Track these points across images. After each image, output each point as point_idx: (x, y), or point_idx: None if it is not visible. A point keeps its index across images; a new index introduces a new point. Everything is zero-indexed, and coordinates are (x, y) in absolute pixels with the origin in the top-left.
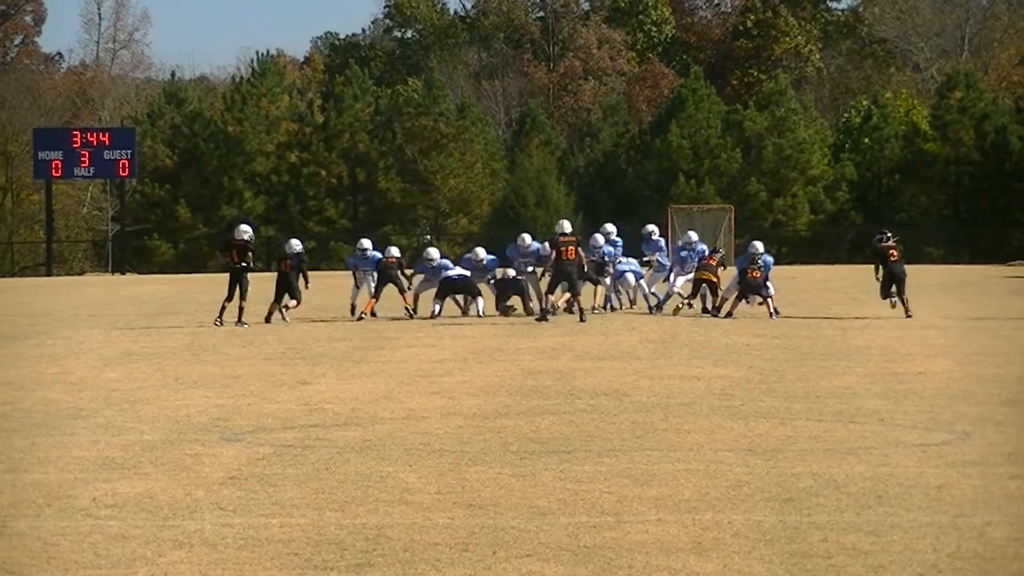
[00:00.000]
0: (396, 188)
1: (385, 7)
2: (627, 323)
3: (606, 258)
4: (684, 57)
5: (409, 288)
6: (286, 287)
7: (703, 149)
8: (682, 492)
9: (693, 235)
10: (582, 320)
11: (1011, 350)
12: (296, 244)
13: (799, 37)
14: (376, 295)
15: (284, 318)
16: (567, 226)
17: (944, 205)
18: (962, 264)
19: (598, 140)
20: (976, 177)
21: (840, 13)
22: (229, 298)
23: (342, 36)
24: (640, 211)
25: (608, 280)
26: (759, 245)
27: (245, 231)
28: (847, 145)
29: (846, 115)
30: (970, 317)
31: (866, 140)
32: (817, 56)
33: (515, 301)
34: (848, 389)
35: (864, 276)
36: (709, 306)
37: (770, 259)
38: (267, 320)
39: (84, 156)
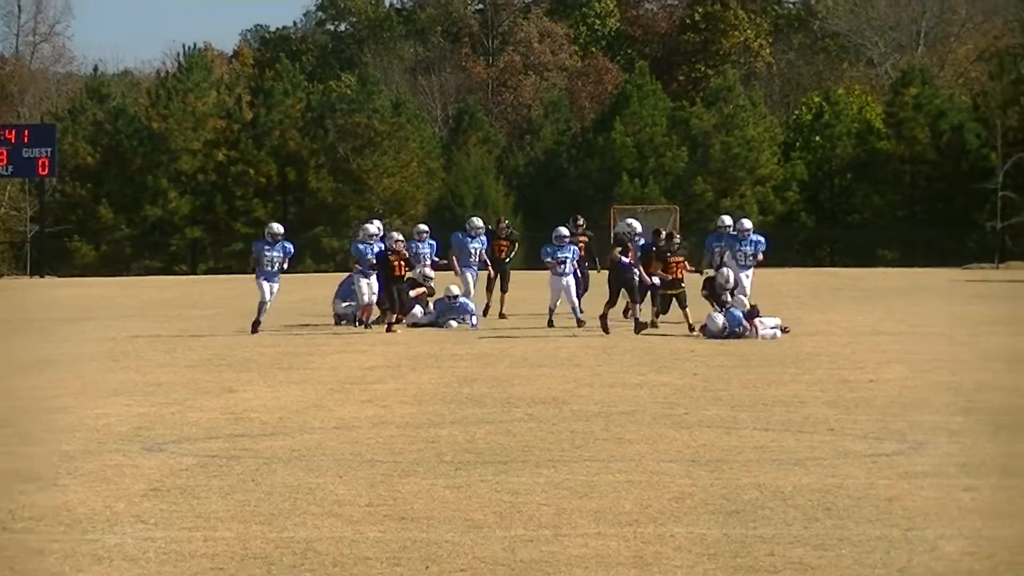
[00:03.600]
0: (328, 188)
1: None
2: (568, 329)
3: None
4: (629, 51)
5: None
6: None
7: (648, 147)
8: (623, 504)
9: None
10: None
11: (967, 357)
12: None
13: (749, 31)
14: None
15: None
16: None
17: (899, 206)
18: (917, 267)
19: (539, 138)
20: (932, 177)
21: (791, 6)
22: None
23: (272, 29)
24: (583, 211)
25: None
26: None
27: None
28: (798, 143)
29: (797, 112)
30: (925, 322)
31: (817, 138)
32: (767, 51)
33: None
34: (796, 397)
35: (816, 280)
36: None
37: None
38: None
39: (2, 154)
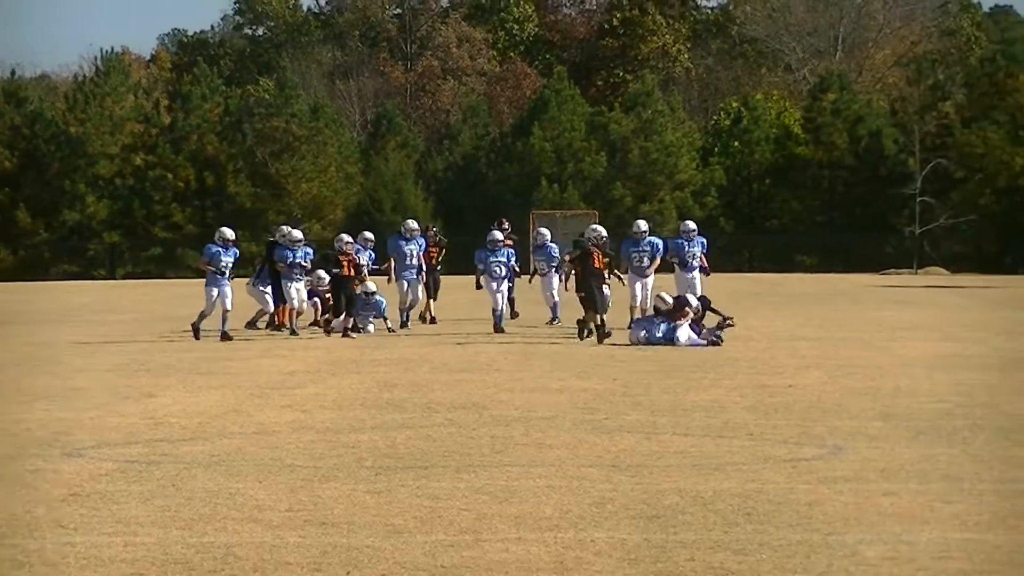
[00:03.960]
0: (246, 192)
1: (235, 3)
2: (487, 333)
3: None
4: (547, 56)
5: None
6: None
7: (567, 152)
8: (543, 509)
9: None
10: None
11: (885, 362)
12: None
13: (667, 36)
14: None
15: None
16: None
17: (817, 211)
18: (836, 273)
19: (458, 143)
20: (850, 182)
21: (709, 12)
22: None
23: (190, 33)
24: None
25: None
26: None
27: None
28: (716, 148)
29: (715, 117)
30: (843, 328)
31: (736, 143)
32: (685, 56)
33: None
34: (716, 402)
35: (735, 285)
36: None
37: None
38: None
39: None
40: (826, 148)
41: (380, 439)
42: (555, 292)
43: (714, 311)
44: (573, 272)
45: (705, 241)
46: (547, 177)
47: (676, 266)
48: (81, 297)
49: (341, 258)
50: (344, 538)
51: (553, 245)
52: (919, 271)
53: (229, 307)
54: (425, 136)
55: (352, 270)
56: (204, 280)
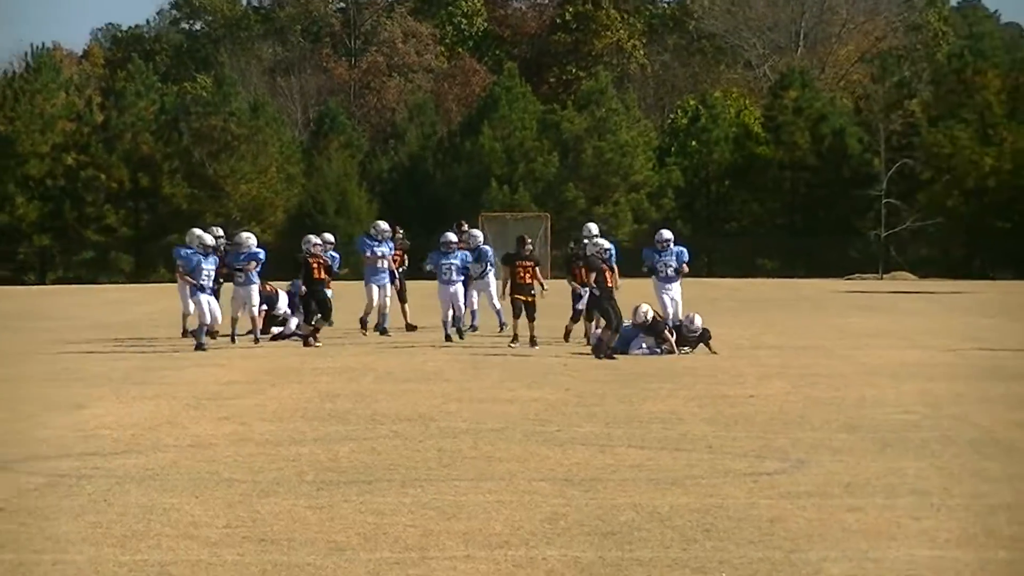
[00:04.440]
0: (182, 194)
1: None
2: (435, 341)
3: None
4: (497, 52)
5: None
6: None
7: (517, 152)
8: (493, 526)
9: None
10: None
11: (849, 371)
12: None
13: (622, 31)
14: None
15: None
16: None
17: (778, 213)
18: (798, 278)
19: (404, 142)
20: (813, 183)
21: (666, 6)
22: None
23: (124, 28)
24: (450, 219)
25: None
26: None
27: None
28: (673, 148)
29: (672, 116)
30: (806, 335)
31: (694, 143)
32: (641, 52)
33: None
34: (673, 414)
35: (693, 291)
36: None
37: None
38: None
39: None
40: (787, 148)
41: (322, 452)
42: (495, 298)
43: (708, 346)
44: (585, 287)
45: (684, 251)
46: (497, 178)
47: (654, 278)
48: (9, 303)
49: (311, 260)
50: (284, 556)
51: (488, 248)
52: (885, 276)
53: (218, 318)
54: (370, 135)
55: (324, 272)
56: (177, 285)
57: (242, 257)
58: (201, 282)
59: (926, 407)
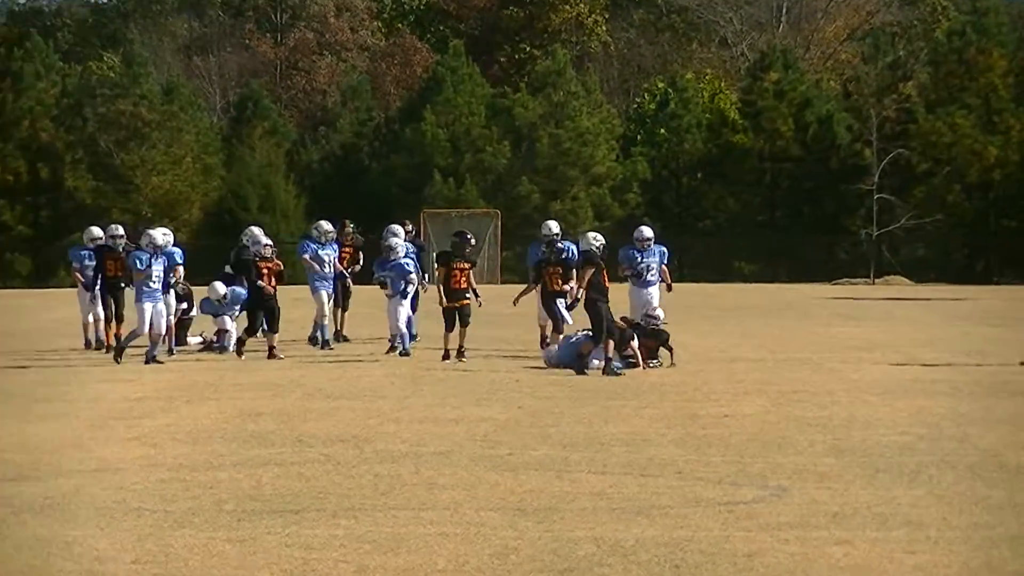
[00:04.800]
0: (87, 187)
1: None
2: (371, 353)
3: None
4: (441, 28)
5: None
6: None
7: (464, 141)
8: (436, 561)
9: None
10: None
11: (837, 387)
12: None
13: (581, 5)
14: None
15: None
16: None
17: (758, 210)
18: (779, 283)
19: (336, 129)
20: (796, 176)
21: None
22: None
23: (22, 1)
24: (387, 216)
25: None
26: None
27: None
28: (639, 137)
29: (638, 100)
30: (788, 347)
31: (662, 130)
32: (603, 28)
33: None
34: (639, 435)
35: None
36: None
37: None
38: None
39: None
40: (768, 136)
41: (243, 478)
42: (400, 317)
43: (668, 348)
44: (582, 292)
45: (666, 251)
46: (441, 170)
47: (630, 281)
48: None
49: (260, 264)
50: None
51: (407, 261)
52: (877, 280)
53: (162, 329)
54: (298, 121)
55: (274, 279)
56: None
57: (158, 259)
58: (149, 286)
59: (923, 428)
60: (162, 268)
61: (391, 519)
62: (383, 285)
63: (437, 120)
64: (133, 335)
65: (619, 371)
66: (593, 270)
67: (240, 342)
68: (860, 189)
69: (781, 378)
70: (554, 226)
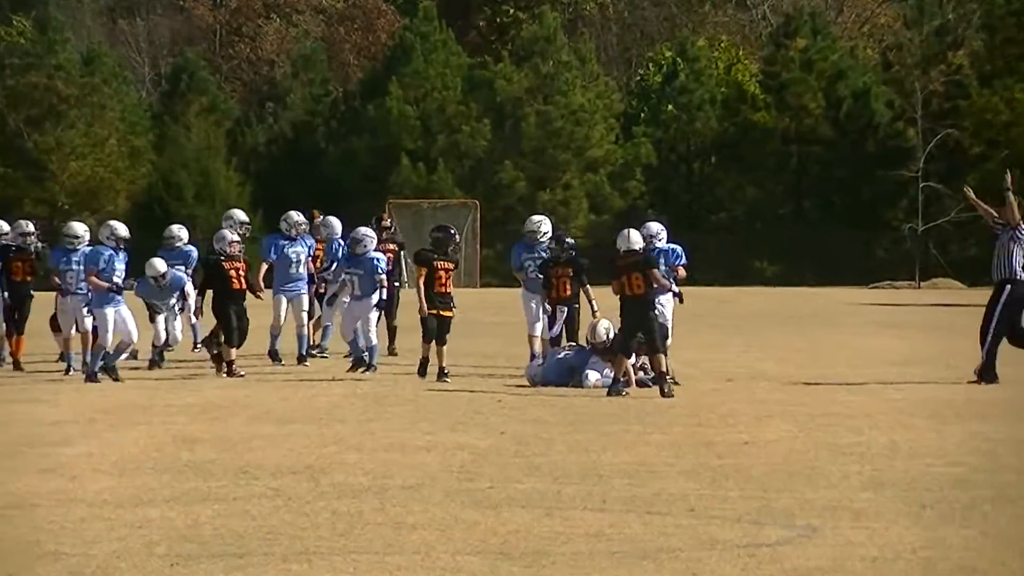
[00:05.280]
0: None
1: None
2: (327, 369)
3: None
4: None
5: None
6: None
7: (437, 120)
8: None
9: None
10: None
11: (875, 409)
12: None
13: None
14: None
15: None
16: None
17: (781, 201)
18: (807, 286)
19: (286, 106)
20: (827, 161)
21: None
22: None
23: None
24: (347, 207)
25: None
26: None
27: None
28: (643, 114)
29: (641, 72)
30: (817, 362)
31: (670, 107)
32: None
33: None
34: (643, 465)
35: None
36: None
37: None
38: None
39: None
40: (794, 114)
41: (178, 516)
42: (371, 324)
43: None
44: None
45: (680, 250)
46: (409, 154)
47: None
48: None
49: (225, 265)
50: None
51: (380, 257)
52: (922, 283)
53: (134, 337)
54: (241, 97)
55: (243, 283)
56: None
57: (76, 259)
58: (116, 285)
59: (977, 457)
60: (124, 266)
61: (351, 564)
62: (345, 286)
63: (405, 95)
64: (99, 352)
65: (623, 392)
66: (638, 275)
67: (218, 358)
68: (902, 176)
69: (809, 398)
70: (544, 224)
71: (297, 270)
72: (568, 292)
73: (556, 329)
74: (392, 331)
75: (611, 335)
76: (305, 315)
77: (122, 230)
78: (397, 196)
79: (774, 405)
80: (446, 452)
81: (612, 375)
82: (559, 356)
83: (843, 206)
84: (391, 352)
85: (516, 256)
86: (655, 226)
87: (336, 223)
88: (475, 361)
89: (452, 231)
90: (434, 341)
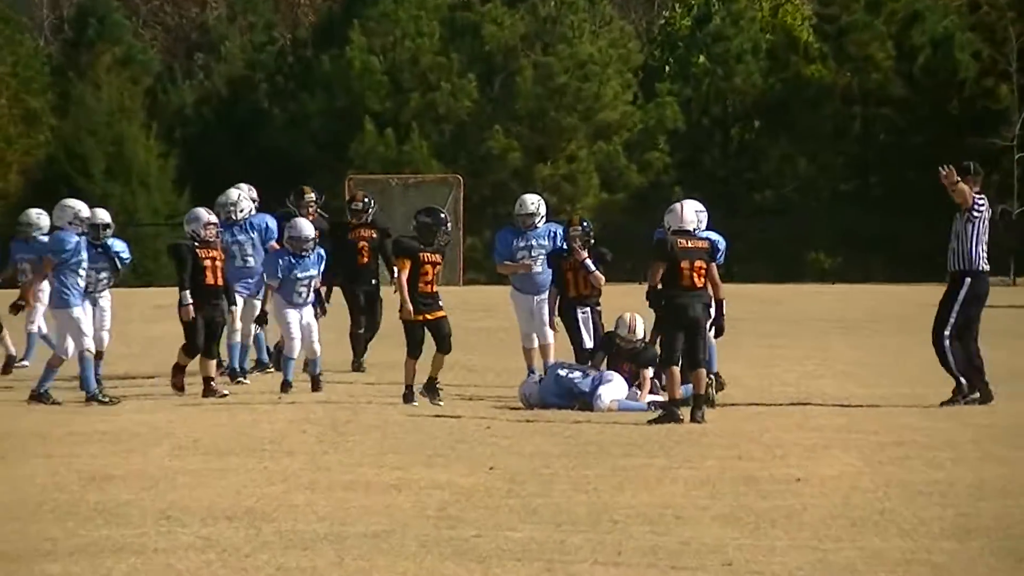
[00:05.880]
0: None
1: None
2: (272, 387)
3: None
4: None
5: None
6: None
7: (409, 74)
8: None
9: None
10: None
11: (961, 437)
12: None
13: None
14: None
15: None
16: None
17: (841, 176)
18: (873, 283)
19: (220, 57)
20: (899, 127)
21: None
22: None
23: None
24: (297, 183)
25: None
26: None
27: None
28: (668, 68)
29: (666, 14)
30: (886, 377)
31: (701, 59)
32: None
33: None
34: (668, 508)
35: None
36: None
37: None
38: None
39: None
40: (857, 67)
41: (85, 572)
42: (313, 330)
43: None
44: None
45: (721, 241)
46: (375, 117)
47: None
48: None
49: (200, 253)
50: None
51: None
52: (1018, 280)
53: (105, 340)
54: (164, 46)
55: (219, 277)
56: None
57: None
58: (77, 284)
59: None
60: (107, 263)
61: None
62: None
63: (369, 44)
64: (54, 366)
65: (680, 418)
66: (667, 265)
67: (177, 367)
68: (994, 146)
69: (877, 424)
70: (541, 207)
71: (245, 263)
72: (588, 290)
73: (586, 337)
74: (360, 340)
75: (640, 331)
76: (253, 325)
77: (85, 210)
78: (359, 170)
79: (832, 433)
80: (420, 492)
81: (639, 393)
82: (561, 372)
83: (919, 183)
84: (357, 367)
85: (503, 244)
86: (691, 208)
87: (238, 195)
88: (457, 377)
89: (444, 216)
90: (423, 352)
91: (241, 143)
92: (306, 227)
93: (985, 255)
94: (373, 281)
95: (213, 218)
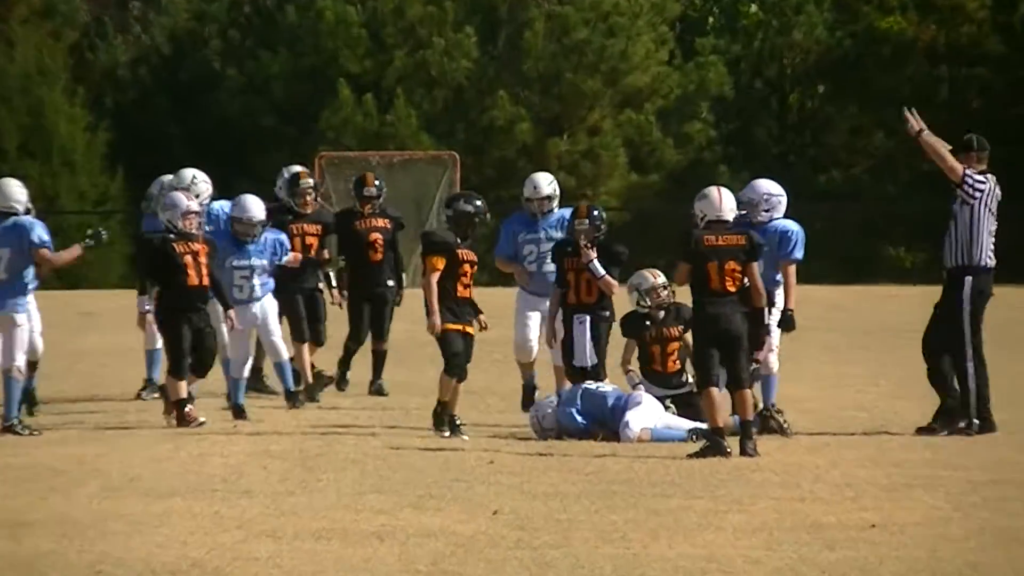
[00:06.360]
0: None
1: None
2: (224, 414)
3: None
4: None
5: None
6: None
7: (393, 27)
8: None
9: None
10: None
11: None
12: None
13: None
14: None
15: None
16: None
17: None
18: None
19: (161, 8)
20: (996, 91)
21: None
22: None
23: None
24: (255, 162)
25: None
26: None
27: None
28: (711, 21)
29: None
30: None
31: (753, 9)
32: None
33: None
34: (713, 561)
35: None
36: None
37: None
38: None
39: None
40: (943, 19)
41: None
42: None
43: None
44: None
45: (798, 233)
46: (352, 80)
47: None
48: None
49: (178, 248)
50: None
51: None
52: None
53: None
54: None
55: (204, 276)
56: None
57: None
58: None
59: None
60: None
61: None
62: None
63: None
64: (18, 382)
65: (753, 452)
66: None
67: (161, 388)
68: None
69: (967, 458)
70: (544, 183)
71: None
72: (592, 296)
73: (585, 353)
74: (351, 353)
75: (669, 291)
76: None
77: (16, 190)
78: (332, 146)
79: (914, 469)
80: (409, 540)
81: (675, 420)
82: (584, 392)
83: (1021, 160)
84: (339, 385)
85: (507, 237)
86: (766, 185)
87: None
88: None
89: (480, 203)
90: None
91: (186, 112)
92: (255, 206)
93: (991, 248)
94: (390, 282)
95: (195, 205)
